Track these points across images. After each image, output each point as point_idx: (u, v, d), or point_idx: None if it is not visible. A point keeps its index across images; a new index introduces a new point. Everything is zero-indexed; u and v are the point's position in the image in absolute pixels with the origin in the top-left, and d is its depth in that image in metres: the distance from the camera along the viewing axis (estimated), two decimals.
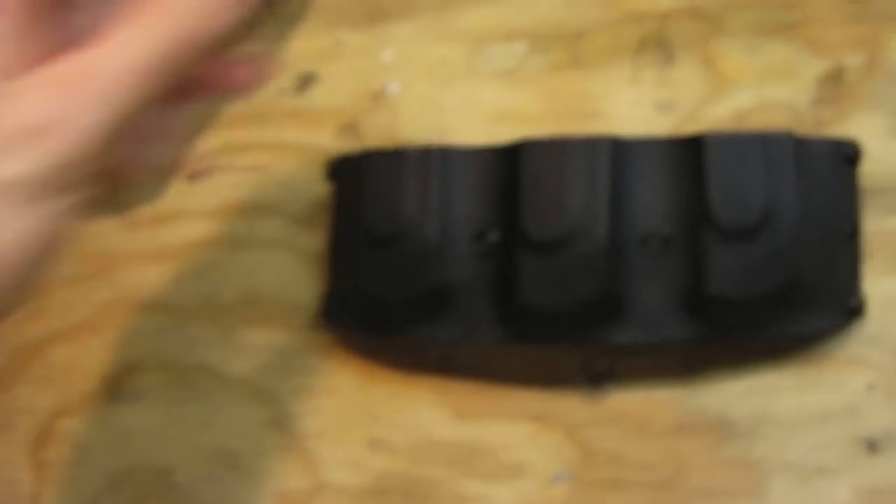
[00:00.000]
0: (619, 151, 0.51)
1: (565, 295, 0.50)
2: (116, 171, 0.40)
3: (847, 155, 0.51)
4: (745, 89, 0.55)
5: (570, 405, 0.54)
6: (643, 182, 0.51)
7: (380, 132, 0.59)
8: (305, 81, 0.61)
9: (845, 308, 0.50)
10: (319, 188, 0.59)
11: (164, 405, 0.59)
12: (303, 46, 0.61)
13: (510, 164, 0.52)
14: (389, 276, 0.53)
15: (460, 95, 0.59)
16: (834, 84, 0.54)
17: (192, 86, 0.41)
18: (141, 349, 0.60)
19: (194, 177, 0.61)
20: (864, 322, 0.51)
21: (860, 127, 0.53)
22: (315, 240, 0.58)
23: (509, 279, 0.51)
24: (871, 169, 0.52)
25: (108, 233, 0.61)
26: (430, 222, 0.52)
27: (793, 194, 0.49)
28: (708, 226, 0.49)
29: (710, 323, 0.50)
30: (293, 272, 0.59)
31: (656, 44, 0.57)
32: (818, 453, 0.50)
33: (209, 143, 0.61)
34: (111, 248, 0.61)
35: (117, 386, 0.60)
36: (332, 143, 0.60)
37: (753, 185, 0.49)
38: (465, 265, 0.53)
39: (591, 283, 0.50)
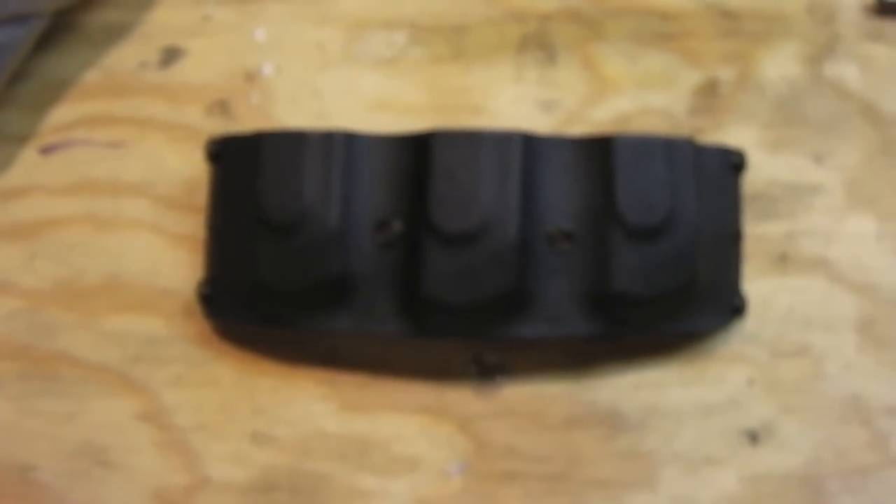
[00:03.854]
0: (531, 147, 0.51)
1: (473, 289, 0.50)
2: None
3: (734, 162, 0.54)
4: (625, 94, 0.57)
5: (462, 398, 0.54)
6: (552, 179, 0.51)
7: (253, 113, 0.57)
8: (171, 55, 0.57)
9: (730, 307, 0.53)
10: (190, 167, 0.56)
11: (21, 396, 0.54)
12: (167, 18, 0.58)
13: (419, 153, 0.51)
14: (285, 265, 0.51)
15: (338, 81, 0.57)
16: (709, 95, 0.57)
17: None
18: None
19: (47, 150, 0.56)
20: (743, 321, 0.54)
21: (733, 137, 0.56)
22: (186, 222, 0.55)
23: (413, 271, 0.50)
24: (743, 177, 0.55)
25: None
26: (332, 209, 0.50)
27: (693, 197, 0.51)
28: (615, 225, 0.50)
29: (611, 319, 0.51)
30: (162, 256, 0.55)
31: (538, 44, 0.57)
32: (704, 444, 0.53)
33: (63, 114, 0.57)
34: None
35: None
36: (200, 121, 0.57)
37: (659, 186, 0.51)
38: (366, 255, 0.51)
39: (500, 278, 0.50)
